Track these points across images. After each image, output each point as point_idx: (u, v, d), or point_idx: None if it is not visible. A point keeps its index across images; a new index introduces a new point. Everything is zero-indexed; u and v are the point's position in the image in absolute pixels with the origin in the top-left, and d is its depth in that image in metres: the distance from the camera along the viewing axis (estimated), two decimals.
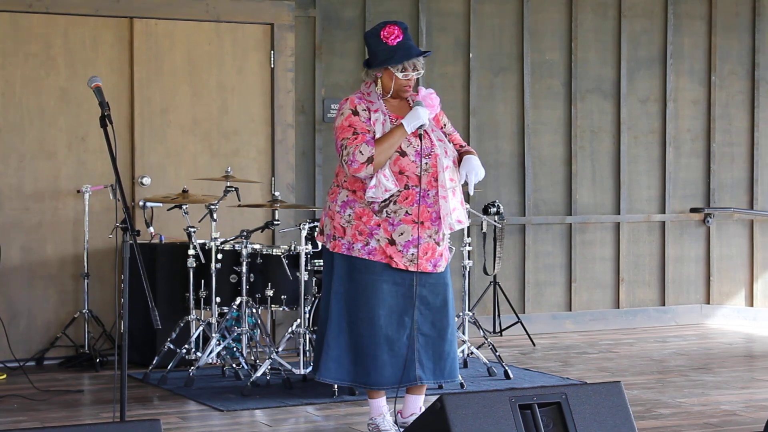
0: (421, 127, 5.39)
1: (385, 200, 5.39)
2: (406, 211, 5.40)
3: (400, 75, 5.44)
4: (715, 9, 9.67)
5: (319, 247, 7.05)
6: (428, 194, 5.43)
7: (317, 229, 5.73)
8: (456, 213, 5.44)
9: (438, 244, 5.48)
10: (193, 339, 7.12)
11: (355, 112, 5.43)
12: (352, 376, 5.52)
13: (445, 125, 5.66)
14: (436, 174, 5.42)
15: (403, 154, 5.39)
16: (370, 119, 5.42)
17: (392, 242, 5.40)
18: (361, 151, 5.30)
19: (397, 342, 5.45)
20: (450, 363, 5.56)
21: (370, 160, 5.30)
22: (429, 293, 5.50)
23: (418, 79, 5.61)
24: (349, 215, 5.43)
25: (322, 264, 7.04)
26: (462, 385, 6.73)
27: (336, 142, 5.43)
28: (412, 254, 5.41)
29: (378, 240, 5.40)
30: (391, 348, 5.44)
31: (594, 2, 9.32)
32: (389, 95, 5.49)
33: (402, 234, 5.40)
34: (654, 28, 9.51)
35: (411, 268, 5.42)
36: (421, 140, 5.41)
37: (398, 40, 5.43)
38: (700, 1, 9.66)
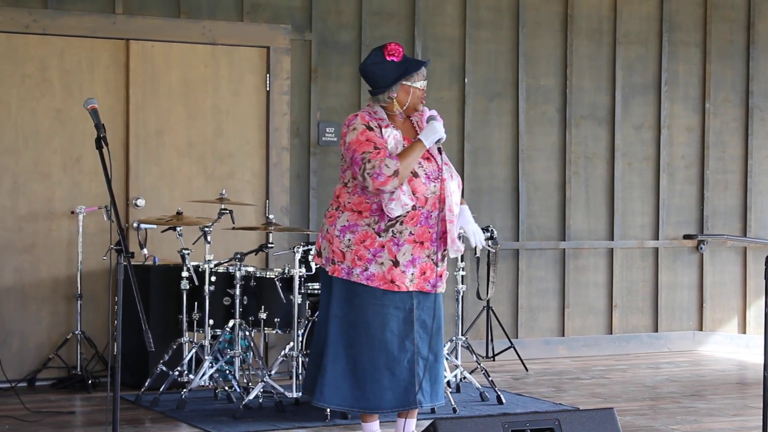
0: (439, 141, 5.41)
1: (392, 220, 5.39)
2: (410, 232, 5.41)
3: (419, 85, 5.49)
4: (709, 37, 9.71)
5: (313, 270, 7.07)
6: (431, 215, 5.44)
7: (314, 250, 5.73)
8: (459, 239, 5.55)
9: (436, 264, 5.49)
10: (185, 361, 7.11)
11: (369, 128, 5.42)
12: (350, 401, 5.49)
13: None
14: (442, 197, 5.44)
15: (415, 175, 5.41)
16: (382, 135, 5.43)
17: (396, 263, 5.40)
18: (387, 165, 5.29)
19: (398, 366, 5.44)
20: (441, 386, 5.60)
21: (396, 173, 5.29)
22: (427, 317, 5.51)
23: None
24: (349, 240, 5.42)
25: (316, 287, 7.07)
26: (455, 410, 6.72)
27: (351, 157, 5.37)
28: (413, 273, 5.42)
29: (381, 264, 5.39)
30: (392, 372, 5.44)
31: (589, 29, 9.35)
32: (405, 108, 5.50)
33: (405, 254, 5.41)
34: (649, 55, 9.55)
35: (412, 288, 5.43)
36: (439, 155, 5.42)
37: (403, 54, 5.51)
38: (694, 29, 9.70)
